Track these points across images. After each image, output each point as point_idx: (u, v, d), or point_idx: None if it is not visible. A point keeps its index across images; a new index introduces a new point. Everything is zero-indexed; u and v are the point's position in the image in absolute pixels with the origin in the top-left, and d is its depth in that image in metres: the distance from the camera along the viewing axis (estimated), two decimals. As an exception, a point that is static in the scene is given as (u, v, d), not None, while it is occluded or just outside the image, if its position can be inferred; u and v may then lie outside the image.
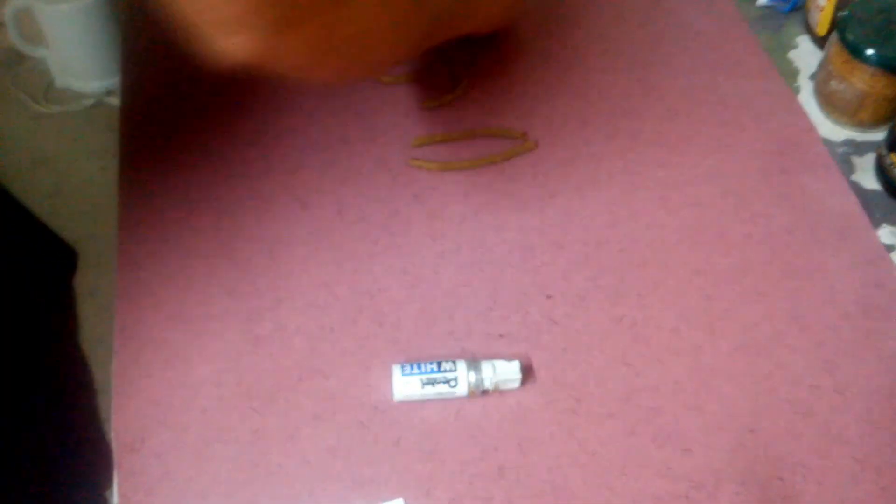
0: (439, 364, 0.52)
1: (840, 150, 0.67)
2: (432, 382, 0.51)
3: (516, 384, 0.52)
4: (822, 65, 0.68)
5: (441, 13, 0.46)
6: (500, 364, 0.52)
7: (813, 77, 0.71)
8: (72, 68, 1.60)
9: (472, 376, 0.51)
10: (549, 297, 0.57)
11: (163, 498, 0.48)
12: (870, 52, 0.62)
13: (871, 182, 0.65)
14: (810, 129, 0.68)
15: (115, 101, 1.63)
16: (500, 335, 0.55)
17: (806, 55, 0.74)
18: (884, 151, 0.63)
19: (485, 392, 0.52)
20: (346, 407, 0.52)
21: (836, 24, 0.66)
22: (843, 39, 0.64)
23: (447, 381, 0.51)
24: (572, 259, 0.59)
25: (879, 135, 0.66)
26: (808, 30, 0.74)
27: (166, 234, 0.60)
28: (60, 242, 0.67)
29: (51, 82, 1.67)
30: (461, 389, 0.51)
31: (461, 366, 0.51)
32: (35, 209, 0.63)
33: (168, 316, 0.56)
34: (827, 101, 0.68)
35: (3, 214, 0.61)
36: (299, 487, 0.49)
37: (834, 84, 0.66)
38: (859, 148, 0.67)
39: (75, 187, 1.59)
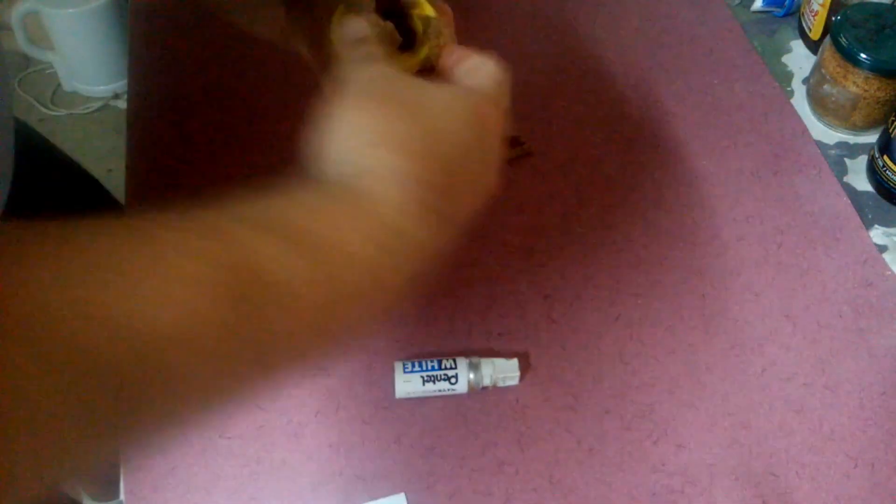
0: (440, 362, 0.52)
1: (832, 152, 0.68)
2: (433, 380, 0.52)
3: (515, 381, 0.53)
4: (816, 69, 0.68)
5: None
6: (500, 361, 0.53)
7: (806, 81, 0.72)
8: (79, 72, 1.61)
9: (472, 373, 0.52)
10: (546, 296, 0.58)
11: (169, 493, 0.49)
12: (863, 56, 0.63)
13: (863, 183, 0.65)
14: (803, 131, 0.69)
15: (121, 104, 1.63)
16: (500, 333, 0.56)
17: (800, 59, 0.74)
18: (876, 153, 0.64)
19: (484, 389, 0.53)
20: (348, 404, 0.53)
21: (830, 29, 0.66)
22: (836, 44, 0.64)
23: (448, 379, 0.52)
24: (570, 259, 0.60)
25: (872, 137, 0.67)
26: (802, 34, 0.75)
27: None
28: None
29: (58, 86, 1.67)
30: (461, 386, 0.52)
31: (461, 363, 0.52)
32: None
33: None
34: (820, 104, 0.68)
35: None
36: (302, 483, 0.50)
37: (827, 88, 0.67)
38: (852, 150, 0.68)
39: (82, 190, 1.60)
